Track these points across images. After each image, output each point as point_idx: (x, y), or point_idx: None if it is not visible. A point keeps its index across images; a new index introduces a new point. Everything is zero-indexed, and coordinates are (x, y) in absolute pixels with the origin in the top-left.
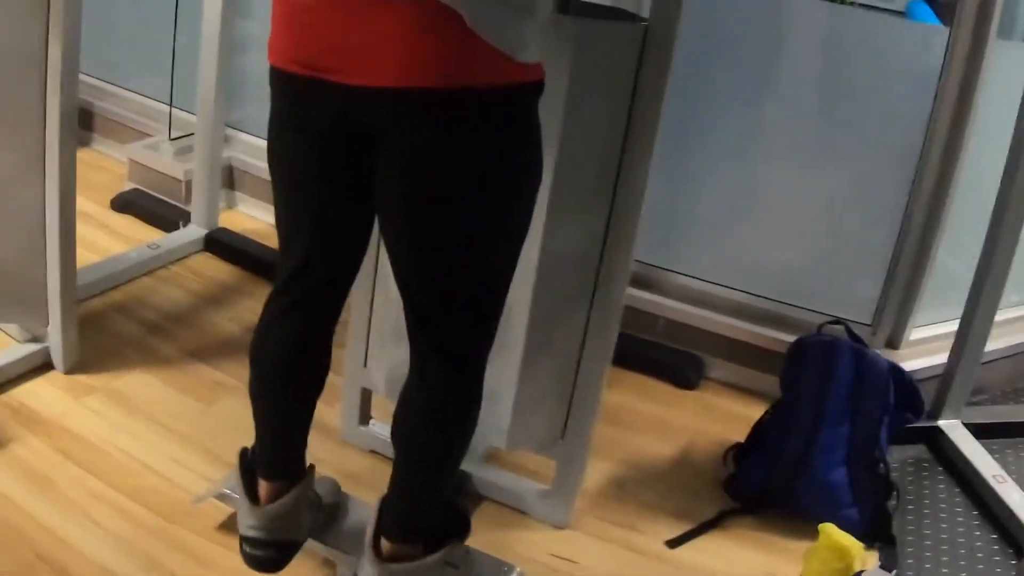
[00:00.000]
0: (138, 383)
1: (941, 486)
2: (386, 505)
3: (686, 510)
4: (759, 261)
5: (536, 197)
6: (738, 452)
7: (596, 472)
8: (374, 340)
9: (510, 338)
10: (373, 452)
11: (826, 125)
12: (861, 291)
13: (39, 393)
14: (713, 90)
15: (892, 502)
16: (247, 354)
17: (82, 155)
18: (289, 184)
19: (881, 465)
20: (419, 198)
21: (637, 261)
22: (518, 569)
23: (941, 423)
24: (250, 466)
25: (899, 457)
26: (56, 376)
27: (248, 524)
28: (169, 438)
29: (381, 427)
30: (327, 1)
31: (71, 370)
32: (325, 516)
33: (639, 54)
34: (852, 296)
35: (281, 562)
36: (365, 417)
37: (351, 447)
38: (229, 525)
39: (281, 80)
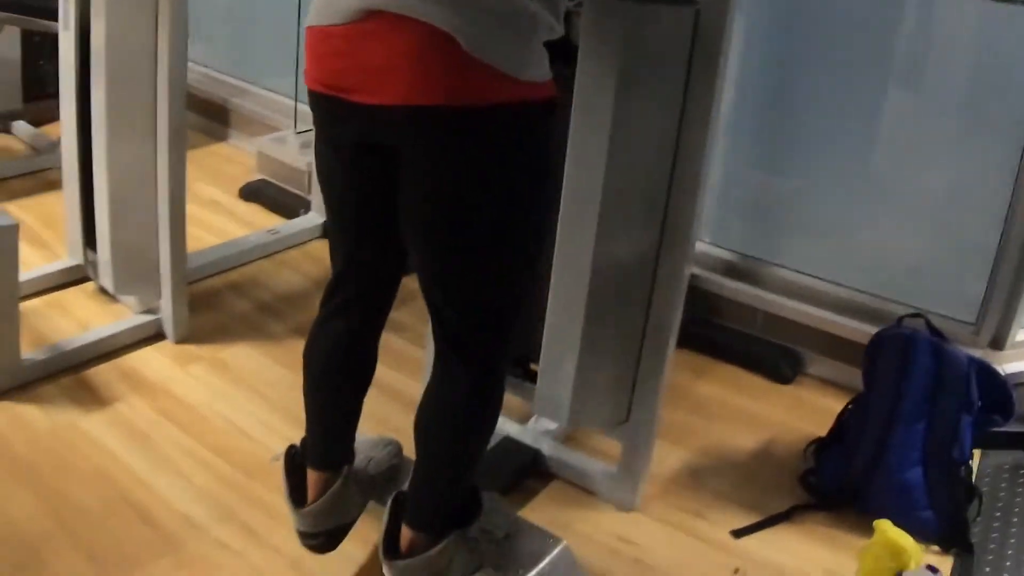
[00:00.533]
0: (242, 355)
1: None
2: (406, 497)
3: (759, 502)
4: (862, 255)
5: (547, 207)
6: (818, 447)
7: (671, 458)
8: None
9: (571, 318)
10: None
11: (934, 117)
12: (966, 288)
13: (148, 359)
14: (822, 80)
15: (973, 508)
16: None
17: (217, 148)
18: (330, 195)
19: (962, 468)
20: (431, 211)
21: (736, 252)
22: (564, 542)
23: None
24: (296, 466)
25: (994, 462)
26: (166, 346)
27: (297, 524)
28: (262, 405)
29: None
30: (351, 27)
31: (181, 340)
32: (385, 479)
33: (691, 39)
34: (957, 293)
35: (333, 544)
36: None
37: None
38: None
39: (314, 100)
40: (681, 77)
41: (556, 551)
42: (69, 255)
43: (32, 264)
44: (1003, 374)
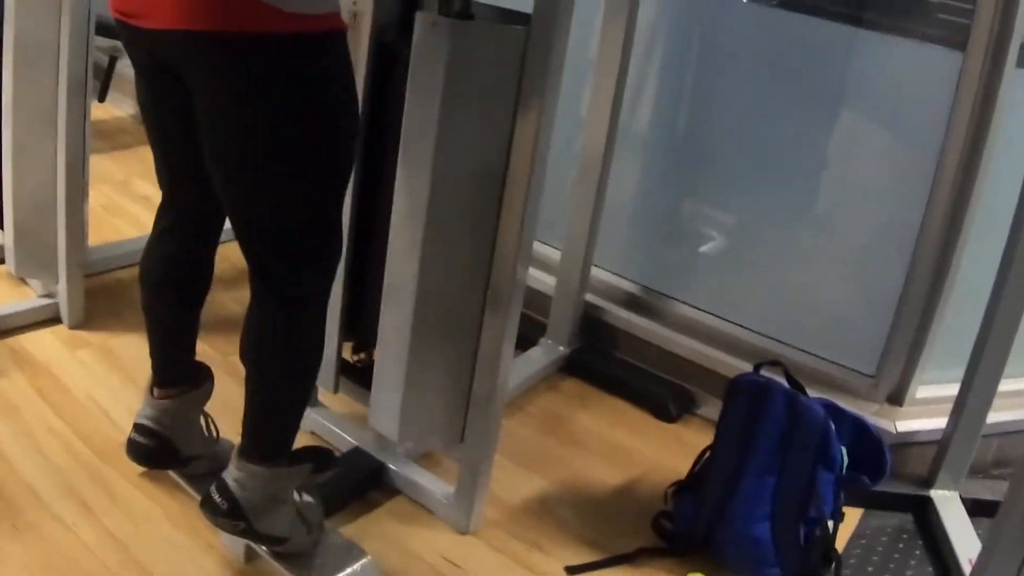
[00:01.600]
0: (131, 345)
1: (913, 562)
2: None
3: (607, 541)
4: (767, 296)
5: (343, 140)
6: (676, 490)
7: (527, 485)
8: None
9: (398, 331)
10: (313, 433)
11: (838, 155)
12: (867, 338)
13: (40, 341)
14: (741, 116)
15: (831, 572)
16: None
17: None
18: (145, 122)
19: (818, 527)
20: (214, 136)
21: (637, 283)
22: (369, 557)
23: (934, 493)
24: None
25: (878, 524)
26: (60, 330)
27: (141, 412)
28: (138, 394)
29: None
30: None
31: (75, 326)
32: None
33: (520, 60)
34: (857, 342)
35: (155, 458)
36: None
37: None
38: (151, 475)
39: (116, 25)
40: (511, 96)
41: (358, 565)
42: None
43: None
44: (877, 430)
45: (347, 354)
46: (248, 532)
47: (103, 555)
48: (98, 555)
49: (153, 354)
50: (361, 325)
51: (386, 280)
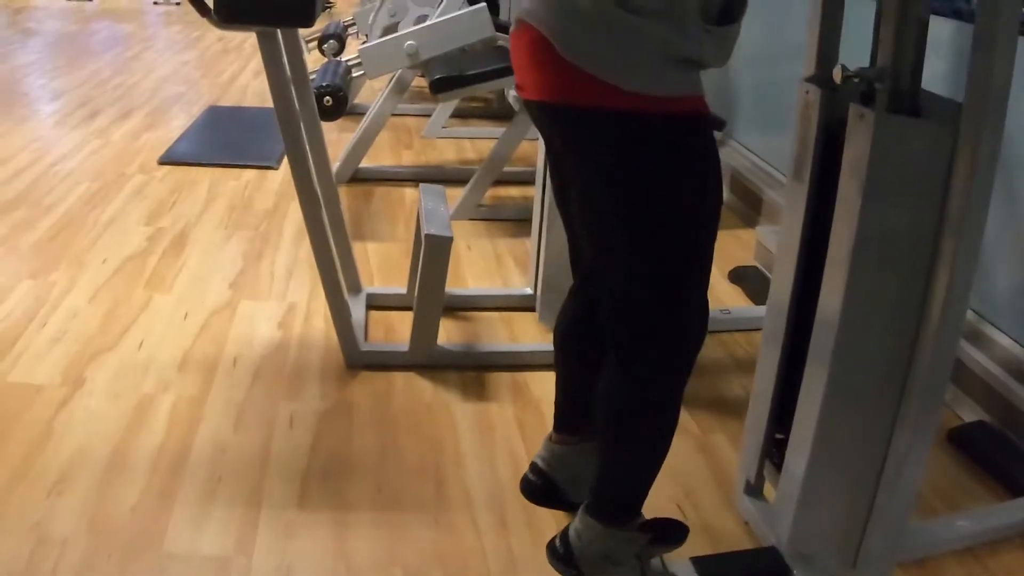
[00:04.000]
0: None
1: None
2: None
3: None
4: None
5: (689, 215)
6: None
7: None
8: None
9: (809, 401)
10: (747, 523)
11: None
12: None
13: (542, 382)
14: None
15: None
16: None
17: (743, 233)
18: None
19: None
20: (574, 199)
21: None
22: None
23: None
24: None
25: None
26: None
27: (538, 452)
28: None
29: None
30: (512, 34)
31: None
32: None
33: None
34: None
35: (538, 496)
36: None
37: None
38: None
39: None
40: (938, 187)
41: None
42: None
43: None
44: None
45: None
46: None
47: (492, 565)
48: (488, 564)
49: (556, 400)
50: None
51: (810, 353)
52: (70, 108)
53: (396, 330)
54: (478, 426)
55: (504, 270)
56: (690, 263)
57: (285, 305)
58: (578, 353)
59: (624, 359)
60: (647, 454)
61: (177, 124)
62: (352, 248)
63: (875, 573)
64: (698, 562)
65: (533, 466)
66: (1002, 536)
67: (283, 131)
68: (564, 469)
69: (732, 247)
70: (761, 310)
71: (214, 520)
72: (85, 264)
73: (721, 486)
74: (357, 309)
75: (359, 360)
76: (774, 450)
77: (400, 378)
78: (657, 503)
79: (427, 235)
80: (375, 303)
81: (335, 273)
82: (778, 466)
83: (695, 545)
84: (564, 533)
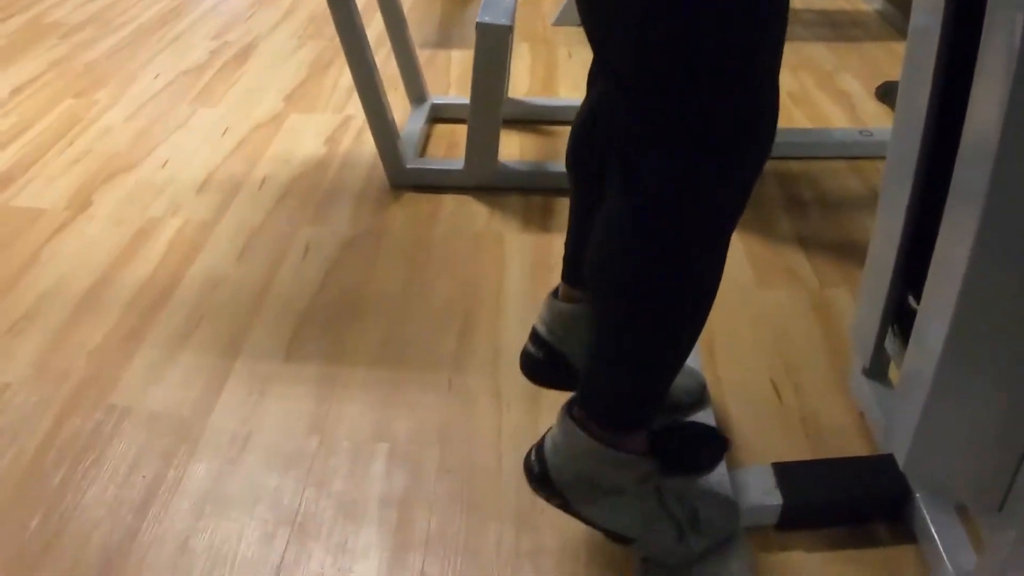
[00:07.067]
0: None
1: None
2: None
3: None
4: None
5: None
6: None
7: None
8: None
9: (940, 316)
10: (862, 415)
11: None
12: None
13: None
14: None
15: None
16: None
17: (897, 47)
18: None
19: None
20: None
21: None
22: None
23: None
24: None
25: None
26: None
27: (540, 314)
28: None
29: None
30: None
31: None
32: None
33: None
34: None
35: (545, 374)
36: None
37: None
38: None
39: None
40: None
41: None
42: None
43: None
44: None
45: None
46: (573, 512)
47: (506, 448)
48: (501, 445)
49: (567, 241)
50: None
51: (952, 185)
52: None
53: (460, 146)
54: (532, 264)
55: None
56: (750, 15)
57: (340, 118)
58: (590, 169)
59: (632, 173)
60: (659, 330)
61: None
62: (420, 54)
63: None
64: (782, 471)
65: (534, 334)
66: None
67: None
68: (574, 337)
69: (882, 59)
70: None
71: (179, 369)
72: (135, 80)
73: (836, 360)
74: (416, 120)
75: (405, 179)
76: (902, 319)
77: (450, 201)
78: (742, 377)
79: (479, 23)
80: (441, 114)
81: (371, 72)
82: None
83: (788, 443)
84: (540, 443)
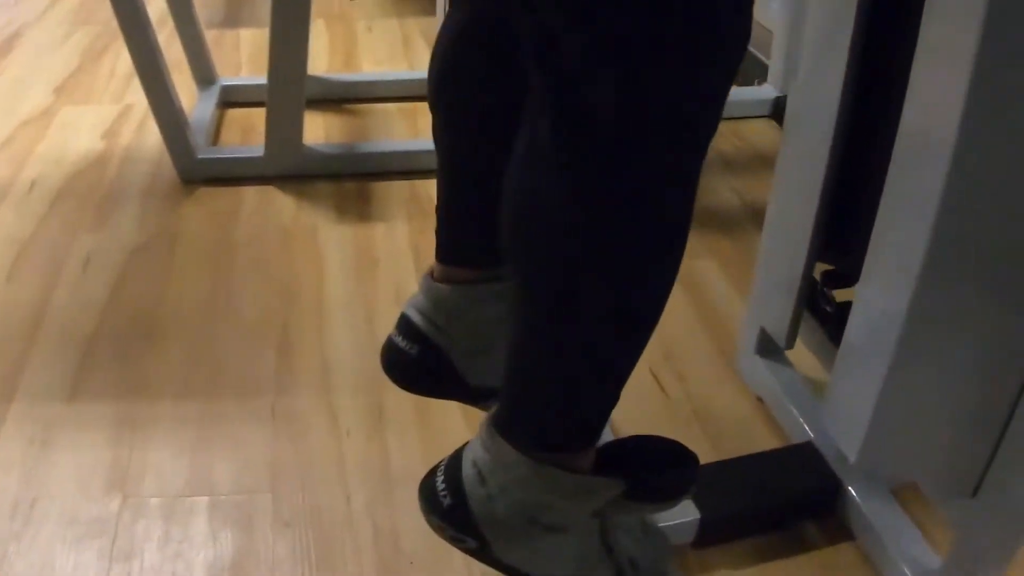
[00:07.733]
0: None
1: None
2: None
3: None
4: None
5: None
6: None
7: None
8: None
9: (896, 257)
10: (760, 399)
11: None
12: None
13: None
14: None
15: None
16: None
17: None
18: None
19: None
20: None
21: None
22: None
23: None
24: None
25: None
26: None
27: (411, 299)
28: None
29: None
30: None
31: None
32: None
33: None
34: None
35: (417, 375)
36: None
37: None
38: None
39: None
40: None
41: None
42: None
43: None
44: None
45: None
46: (485, 558)
47: (353, 485)
48: (346, 482)
49: (438, 206)
50: (847, 243)
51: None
52: None
53: (257, 131)
54: (354, 259)
55: (412, 52)
56: None
57: (119, 108)
58: (466, 105)
59: (570, 94)
60: (620, 293)
61: None
62: (206, 35)
63: (1013, 512)
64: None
65: (404, 323)
66: None
67: None
68: (457, 328)
69: None
70: (757, 91)
71: None
72: None
73: (716, 341)
74: (205, 105)
75: (197, 172)
76: (818, 288)
77: (252, 194)
78: None
79: None
80: (233, 97)
81: (154, 53)
82: (823, 313)
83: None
84: (453, 466)
